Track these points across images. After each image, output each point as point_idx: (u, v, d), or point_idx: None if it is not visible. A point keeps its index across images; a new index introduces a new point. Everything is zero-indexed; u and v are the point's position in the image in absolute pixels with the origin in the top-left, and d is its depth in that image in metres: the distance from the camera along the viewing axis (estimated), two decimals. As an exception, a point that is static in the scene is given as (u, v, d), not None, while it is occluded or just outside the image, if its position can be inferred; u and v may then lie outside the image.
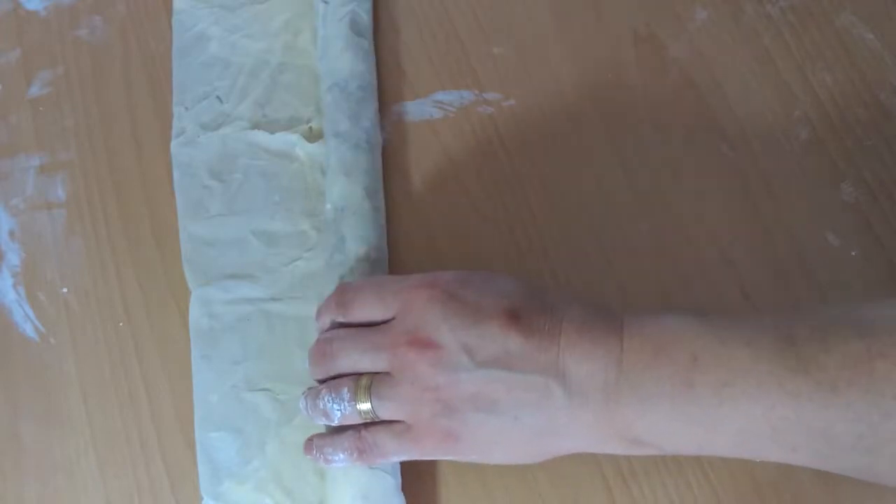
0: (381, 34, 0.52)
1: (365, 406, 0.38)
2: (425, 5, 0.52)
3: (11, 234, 0.49)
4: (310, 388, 0.41)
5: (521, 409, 0.36)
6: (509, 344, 0.36)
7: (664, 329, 0.36)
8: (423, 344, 0.36)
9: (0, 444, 0.45)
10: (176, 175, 0.49)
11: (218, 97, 0.50)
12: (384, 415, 0.38)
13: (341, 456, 0.39)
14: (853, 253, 0.46)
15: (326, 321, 0.41)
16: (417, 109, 0.50)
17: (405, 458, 0.39)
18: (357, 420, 0.38)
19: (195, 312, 0.46)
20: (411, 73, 0.51)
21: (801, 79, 0.50)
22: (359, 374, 0.39)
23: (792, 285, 0.45)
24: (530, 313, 0.36)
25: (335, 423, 0.39)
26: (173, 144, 0.49)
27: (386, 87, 0.51)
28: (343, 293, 0.40)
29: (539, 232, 0.47)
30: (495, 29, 0.52)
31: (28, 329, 0.47)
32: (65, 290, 0.48)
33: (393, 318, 0.38)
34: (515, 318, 0.36)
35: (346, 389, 0.38)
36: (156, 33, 0.53)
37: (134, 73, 0.53)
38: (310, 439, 0.40)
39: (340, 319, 0.40)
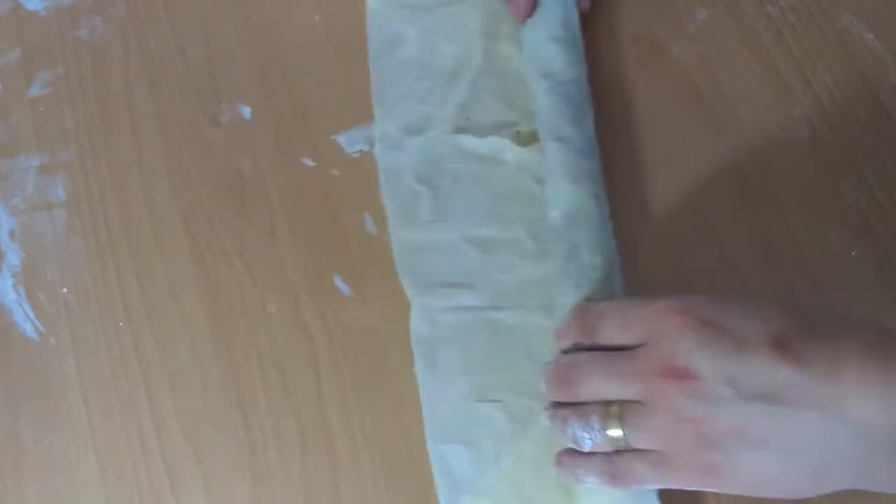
0: (381, 34, 0.52)
1: (616, 433, 0.36)
2: (425, 5, 0.52)
3: (11, 234, 0.49)
4: (554, 410, 0.39)
5: (796, 447, 0.33)
6: (779, 375, 0.32)
7: None
8: (679, 374, 0.34)
9: (0, 444, 0.45)
10: (382, 180, 0.48)
11: (421, 99, 0.49)
12: (637, 444, 0.36)
13: (593, 478, 0.37)
14: (853, 253, 0.46)
15: (568, 343, 0.39)
16: (417, 109, 0.50)
17: (660, 486, 0.37)
18: (608, 448, 0.37)
19: (417, 322, 0.45)
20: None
21: (801, 79, 0.50)
22: (607, 402, 0.37)
23: (792, 285, 0.45)
24: (803, 341, 0.33)
25: (586, 450, 0.37)
26: (378, 149, 0.49)
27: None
28: (586, 316, 0.39)
29: (539, 232, 0.47)
30: (495, 29, 0.52)
31: (28, 329, 0.47)
32: (65, 290, 0.48)
33: (641, 345, 0.36)
34: (785, 346, 0.33)
35: (595, 417, 0.36)
36: (156, 33, 0.53)
37: (134, 73, 0.53)
38: (561, 455, 0.39)
39: (584, 342, 0.38)
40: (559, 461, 0.39)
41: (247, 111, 0.51)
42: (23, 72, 0.53)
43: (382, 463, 0.44)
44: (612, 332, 0.37)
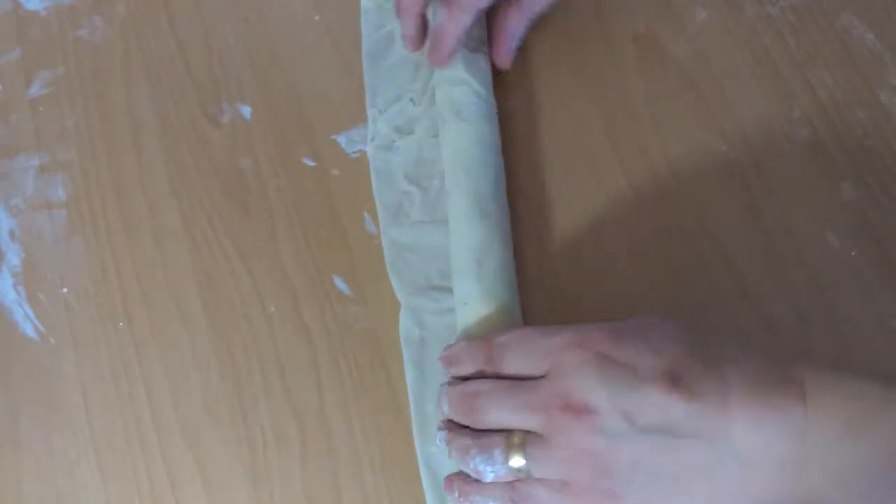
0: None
1: (519, 464, 0.37)
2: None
3: (11, 234, 0.49)
4: (452, 436, 0.39)
5: (688, 475, 0.35)
6: (671, 410, 0.34)
7: (854, 400, 0.33)
8: (579, 409, 0.35)
9: (0, 444, 0.45)
10: (374, 179, 0.48)
11: (411, 100, 0.49)
12: (538, 474, 0.37)
13: None
14: (853, 253, 0.46)
15: (469, 370, 0.40)
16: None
17: None
18: (509, 479, 0.37)
19: (405, 322, 0.45)
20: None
21: (801, 79, 0.50)
22: (508, 431, 0.37)
23: (792, 285, 0.45)
24: (692, 375, 0.35)
25: (487, 481, 0.38)
26: (370, 148, 0.49)
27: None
28: (490, 346, 0.39)
29: (538, 232, 0.47)
30: (495, 29, 0.52)
31: (28, 329, 0.47)
32: (65, 290, 0.48)
33: (543, 377, 0.37)
34: (677, 381, 0.34)
35: (498, 451, 0.37)
36: (156, 33, 0.53)
37: (134, 73, 0.53)
38: (450, 479, 0.39)
39: (489, 372, 0.39)
40: (453, 487, 0.39)
41: (247, 111, 0.51)
42: (23, 72, 0.53)
43: (382, 463, 0.44)
44: (515, 363, 0.38)
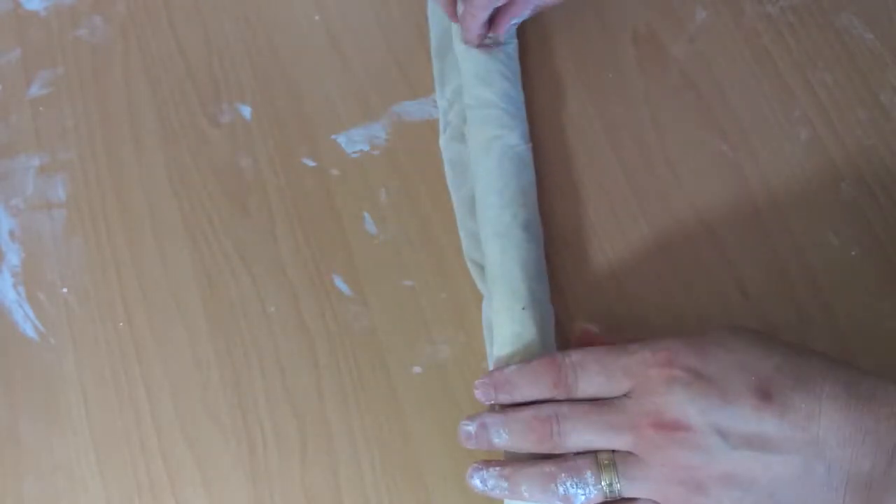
0: (381, 33, 0.52)
1: (612, 484, 0.36)
2: (424, 4, 0.52)
3: (11, 234, 0.49)
4: (518, 470, 0.38)
5: (779, 488, 0.35)
6: (764, 425, 0.35)
7: None
8: (672, 427, 0.35)
9: (0, 444, 0.45)
10: (448, 171, 0.48)
11: None
12: (631, 493, 0.36)
13: None
14: (853, 253, 0.46)
15: (529, 393, 0.39)
16: (417, 109, 0.50)
17: None
18: (599, 499, 0.37)
19: (487, 312, 0.44)
20: (412, 73, 0.51)
21: (801, 79, 0.50)
22: (594, 452, 0.37)
23: (792, 285, 0.45)
24: (783, 389, 0.35)
25: None
26: (442, 140, 0.49)
27: (384, 87, 0.51)
28: (562, 366, 0.38)
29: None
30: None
31: (28, 329, 0.47)
32: (65, 290, 0.48)
33: (624, 396, 0.37)
34: (768, 396, 0.35)
35: (589, 473, 0.36)
36: (156, 33, 0.53)
37: (134, 73, 0.53)
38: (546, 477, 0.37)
39: (560, 396, 0.38)
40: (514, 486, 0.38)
41: (247, 111, 0.51)
42: (23, 72, 0.53)
43: (382, 463, 0.44)
44: (593, 384, 0.38)
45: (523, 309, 0.42)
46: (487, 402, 0.40)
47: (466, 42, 0.48)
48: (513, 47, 0.49)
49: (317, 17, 0.53)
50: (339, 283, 0.47)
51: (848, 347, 0.44)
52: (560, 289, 0.46)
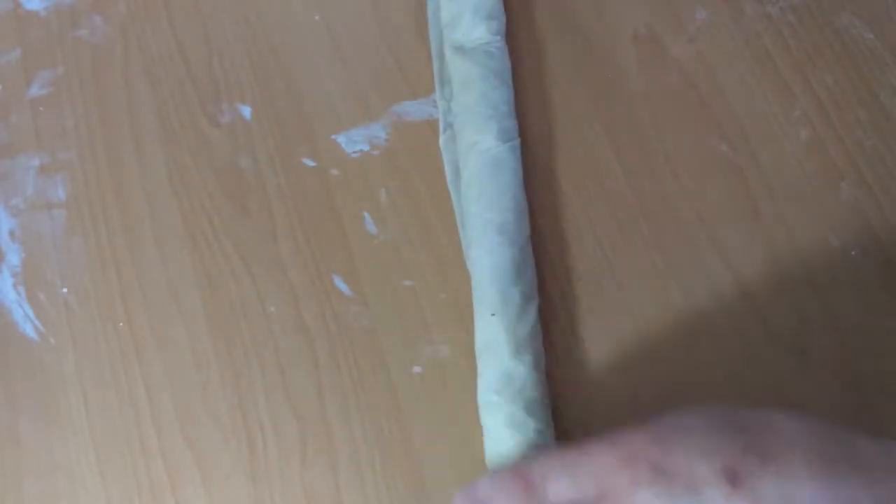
0: (381, 33, 0.52)
1: None
2: (424, 4, 0.52)
3: (11, 234, 0.49)
4: None
5: None
6: None
7: None
8: None
9: (0, 444, 0.45)
10: (448, 171, 0.48)
11: None
12: None
13: None
14: (853, 253, 0.46)
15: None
16: (417, 109, 0.50)
17: None
18: None
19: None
20: (412, 73, 0.51)
21: (801, 79, 0.50)
22: None
23: (792, 285, 0.45)
24: (752, 472, 0.33)
25: None
26: (441, 140, 0.49)
27: (384, 87, 0.51)
28: (526, 476, 0.36)
29: (538, 231, 0.47)
30: (495, 29, 0.52)
31: (28, 329, 0.47)
32: (65, 290, 0.48)
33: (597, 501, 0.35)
34: (736, 481, 0.33)
35: None
36: (156, 33, 0.53)
37: (134, 73, 0.53)
38: None
39: None
40: None
41: (247, 111, 0.51)
42: (23, 72, 0.53)
43: (382, 463, 0.44)
44: (561, 492, 0.36)
45: (493, 315, 0.42)
46: None
47: None
48: (496, 45, 0.49)
49: (317, 17, 0.53)
50: (339, 283, 0.47)
51: (848, 347, 0.44)
52: (559, 289, 0.46)
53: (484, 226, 0.44)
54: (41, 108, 0.52)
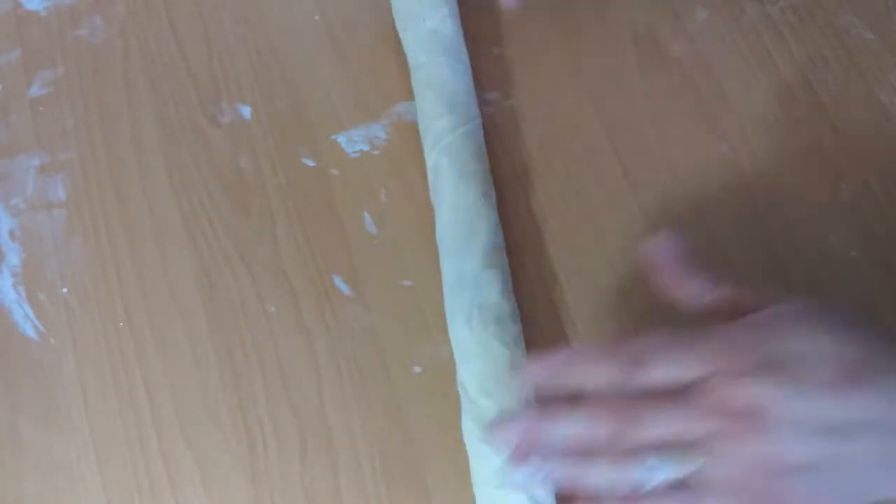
0: (383, 34, 0.52)
1: (693, 466, 0.35)
2: (425, 5, 0.52)
3: (11, 234, 0.49)
4: (589, 464, 0.36)
5: (857, 471, 0.34)
6: (851, 410, 0.33)
7: None
8: (749, 414, 0.34)
9: (0, 444, 0.45)
10: (430, 179, 0.48)
11: None
12: (713, 476, 0.35)
13: None
14: (853, 253, 0.46)
15: (600, 378, 0.36)
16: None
17: None
18: (670, 484, 0.35)
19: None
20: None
21: (801, 79, 0.50)
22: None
23: (792, 285, 0.45)
24: (860, 365, 0.34)
25: (648, 487, 0.35)
26: (426, 146, 0.48)
27: (384, 87, 0.51)
28: (628, 351, 0.36)
29: (538, 231, 0.47)
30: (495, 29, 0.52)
31: (28, 329, 0.47)
32: (65, 290, 0.48)
33: (702, 384, 0.35)
34: (846, 375, 0.33)
35: (673, 449, 0.35)
36: (156, 33, 0.53)
37: (134, 73, 0.53)
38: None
39: (626, 381, 0.36)
40: None
41: (247, 111, 0.51)
42: (23, 72, 0.53)
43: (382, 463, 0.44)
44: (669, 370, 0.36)
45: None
46: (549, 380, 0.37)
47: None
48: (449, 26, 0.49)
49: (317, 17, 0.53)
50: (339, 283, 0.47)
51: (848, 347, 0.44)
52: (560, 288, 0.46)
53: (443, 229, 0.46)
54: (41, 108, 0.52)
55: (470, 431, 0.42)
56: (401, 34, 0.50)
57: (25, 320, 0.48)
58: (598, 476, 0.36)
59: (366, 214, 0.48)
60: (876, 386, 0.34)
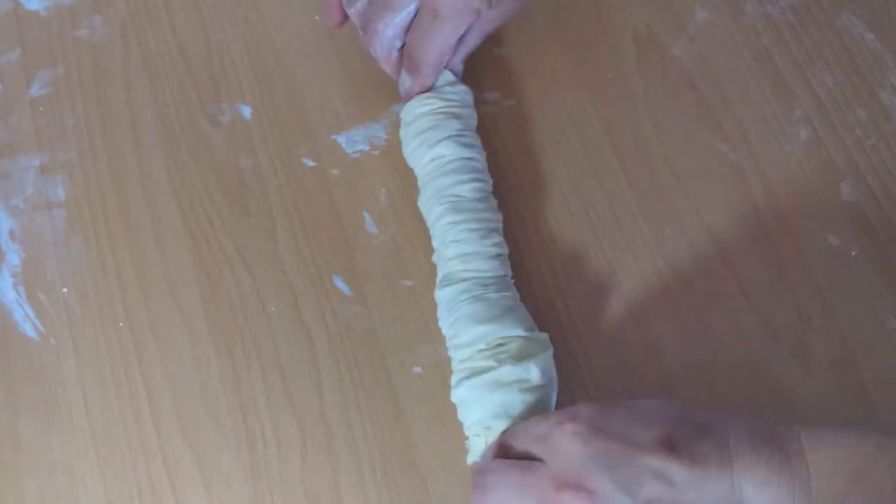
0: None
1: None
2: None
3: (11, 234, 0.49)
4: None
5: None
6: (673, 477, 0.33)
7: (854, 451, 0.33)
8: (574, 487, 0.34)
9: (0, 444, 0.45)
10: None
11: None
12: None
13: None
14: (853, 253, 0.46)
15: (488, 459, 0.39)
16: (417, 109, 0.50)
17: None
18: None
19: None
20: (411, 73, 0.51)
21: (801, 79, 0.50)
22: None
23: (792, 285, 0.45)
24: (689, 438, 0.34)
25: None
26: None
27: (384, 87, 0.51)
28: (503, 436, 0.39)
29: (538, 231, 0.47)
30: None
31: (28, 329, 0.47)
32: (65, 290, 0.48)
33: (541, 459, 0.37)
34: (673, 446, 0.34)
35: None
36: (156, 33, 0.53)
37: (134, 73, 0.53)
38: None
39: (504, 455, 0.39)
40: None
41: (247, 111, 0.51)
42: (23, 72, 0.53)
43: (382, 463, 0.44)
44: (524, 447, 0.37)
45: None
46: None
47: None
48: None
49: (317, 17, 0.53)
50: (339, 283, 0.47)
51: (848, 347, 0.44)
52: (560, 288, 0.46)
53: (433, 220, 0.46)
54: (41, 108, 0.52)
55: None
56: None
57: (25, 320, 0.48)
58: None
59: (366, 214, 0.48)
60: (693, 450, 0.34)
